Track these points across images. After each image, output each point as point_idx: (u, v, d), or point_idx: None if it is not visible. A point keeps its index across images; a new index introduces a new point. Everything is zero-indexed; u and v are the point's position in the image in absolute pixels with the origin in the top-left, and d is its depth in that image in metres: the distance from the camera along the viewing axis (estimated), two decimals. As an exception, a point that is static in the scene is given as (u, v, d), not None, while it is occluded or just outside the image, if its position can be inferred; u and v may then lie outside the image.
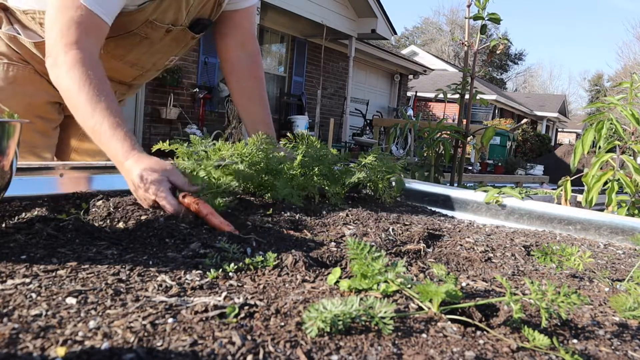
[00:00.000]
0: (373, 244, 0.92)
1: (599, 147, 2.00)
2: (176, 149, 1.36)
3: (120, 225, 0.93)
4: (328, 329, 0.53)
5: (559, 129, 37.96)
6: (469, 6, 2.38)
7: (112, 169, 1.32)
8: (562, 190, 2.05)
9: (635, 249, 1.11)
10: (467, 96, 2.47)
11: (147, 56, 1.59)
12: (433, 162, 2.48)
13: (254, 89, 1.71)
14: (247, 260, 0.75)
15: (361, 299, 0.57)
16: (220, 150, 1.33)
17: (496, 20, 2.32)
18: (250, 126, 1.65)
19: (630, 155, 2.09)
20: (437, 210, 1.44)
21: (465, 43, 2.43)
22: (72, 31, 1.18)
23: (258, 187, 1.34)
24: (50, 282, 0.62)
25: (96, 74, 1.17)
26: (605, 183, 1.92)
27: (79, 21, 1.20)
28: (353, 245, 0.67)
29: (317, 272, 0.74)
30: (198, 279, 0.67)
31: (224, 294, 0.62)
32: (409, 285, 0.65)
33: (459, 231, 1.14)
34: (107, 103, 1.13)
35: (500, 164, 13.58)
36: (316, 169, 1.36)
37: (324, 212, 1.20)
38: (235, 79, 1.71)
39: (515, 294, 0.64)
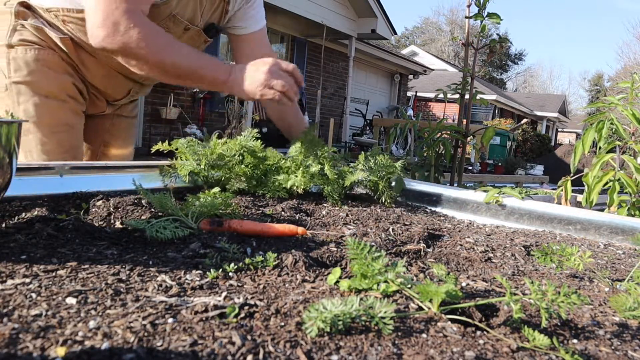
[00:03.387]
0: (373, 244, 0.92)
1: (600, 147, 2.00)
2: (176, 149, 1.36)
3: (120, 225, 0.93)
4: (328, 329, 0.53)
5: (559, 129, 37.97)
6: (469, 6, 2.38)
7: (112, 169, 1.33)
8: (562, 190, 2.05)
9: (635, 249, 1.11)
10: (467, 96, 2.47)
11: None
12: (433, 162, 2.47)
13: (286, 114, 1.78)
14: (247, 260, 0.75)
15: (361, 299, 0.57)
16: (217, 148, 1.34)
17: (496, 20, 2.32)
18: (288, 135, 1.76)
19: (630, 155, 2.09)
20: (437, 210, 1.44)
21: (465, 43, 2.43)
22: (123, 2, 1.27)
23: (258, 185, 1.35)
24: (50, 282, 0.62)
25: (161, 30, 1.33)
26: (606, 183, 1.92)
27: None
28: (353, 245, 0.67)
29: (317, 272, 0.74)
30: (198, 279, 0.67)
31: (224, 294, 0.62)
32: (409, 285, 0.65)
33: (459, 231, 1.14)
34: (188, 47, 1.37)
35: (500, 164, 13.58)
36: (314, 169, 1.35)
37: (324, 212, 1.20)
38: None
39: (515, 294, 0.64)
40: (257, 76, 1.33)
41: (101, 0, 1.27)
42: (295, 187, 1.31)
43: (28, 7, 1.55)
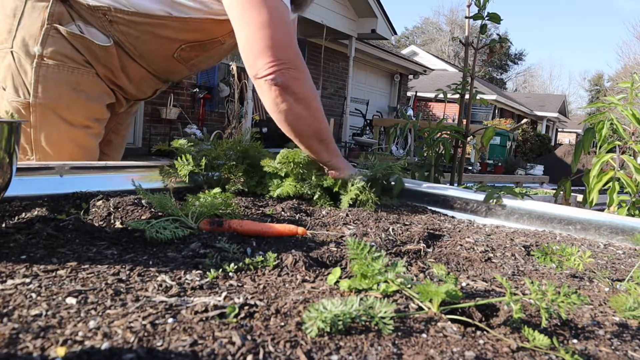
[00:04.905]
0: (373, 244, 0.92)
1: (600, 147, 2.00)
2: (176, 149, 1.37)
3: (120, 225, 0.93)
4: (328, 329, 0.53)
5: (559, 129, 37.99)
6: (469, 6, 2.38)
7: (112, 169, 1.33)
8: (562, 190, 2.05)
9: (635, 249, 1.11)
10: (467, 96, 2.47)
11: (206, 60, 1.64)
12: (433, 162, 2.47)
13: None
14: (247, 260, 0.75)
15: (361, 299, 0.57)
16: (217, 148, 1.34)
17: (496, 19, 2.32)
18: None
19: (630, 155, 2.09)
20: (437, 210, 1.44)
21: (465, 43, 2.43)
22: (292, 41, 1.27)
23: (258, 185, 1.35)
24: (50, 282, 0.62)
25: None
26: (606, 183, 1.92)
27: (290, 29, 1.28)
28: (353, 245, 0.67)
29: (317, 272, 0.74)
30: (198, 279, 0.67)
31: (224, 294, 0.62)
32: (409, 285, 0.65)
33: (459, 231, 1.14)
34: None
35: (500, 164, 13.59)
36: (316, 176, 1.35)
37: (324, 212, 1.20)
38: None
39: (515, 294, 0.64)
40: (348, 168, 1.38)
41: (276, 30, 1.23)
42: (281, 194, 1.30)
43: (65, 0, 1.38)
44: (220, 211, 1.00)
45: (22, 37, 1.39)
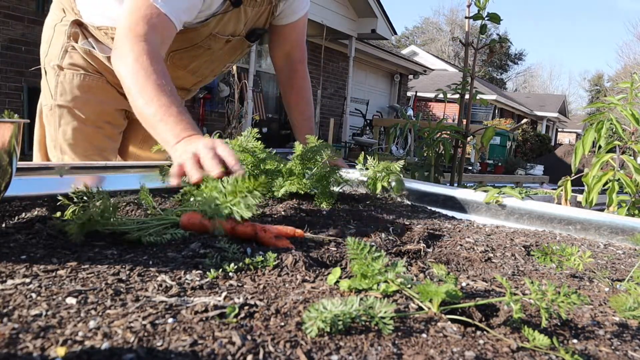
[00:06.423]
0: (373, 244, 0.92)
1: (599, 147, 2.00)
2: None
3: (120, 225, 0.93)
4: (328, 329, 0.53)
5: (559, 129, 38.01)
6: (469, 6, 2.38)
7: (112, 169, 1.33)
8: (562, 190, 2.05)
9: (635, 249, 1.11)
10: (467, 96, 2.47)
11: (207, 64, 1.76)
12: (433, 162, 2.47)
13: (292, 96, 1.87)
14: (247, 260, 0.75)
15: (361, 299, 0.57)
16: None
17: (496, 20, 2.32)
18: (293, 129, 1.85)
19: (630, 155, 2.09)
20: (437, 210, 1.44)
21: (465, 43, 2.43)
22: (140, 26, 1.28)
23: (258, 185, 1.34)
24: (50, 282, 0.62)
25: (159, 68, 1.24)
26: (606, 183, 1.92)
27: (149, 18, 1.29)
28: (353, 245, 0.67)
29: (317, 272, 0.74)
30: (198, 279, 0.67)
31: (224, 294, 0.62)
32: (409, 285, 0.65)
33: (459, 231, 1.14)
34: (171, 94, 1.19)
35: (500, 164, 13.59)
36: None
37: (324, 212, 1.20)
38: (281, 85, 1.90)
39: (515, 294, 0.64)
40: (183, 152, 1.09)
41: (122, 19, 1.31)
42: (286, 194, 1.30)
43: (80, 24, 1.64)
44: None
45: (51, 56, 1.69)
